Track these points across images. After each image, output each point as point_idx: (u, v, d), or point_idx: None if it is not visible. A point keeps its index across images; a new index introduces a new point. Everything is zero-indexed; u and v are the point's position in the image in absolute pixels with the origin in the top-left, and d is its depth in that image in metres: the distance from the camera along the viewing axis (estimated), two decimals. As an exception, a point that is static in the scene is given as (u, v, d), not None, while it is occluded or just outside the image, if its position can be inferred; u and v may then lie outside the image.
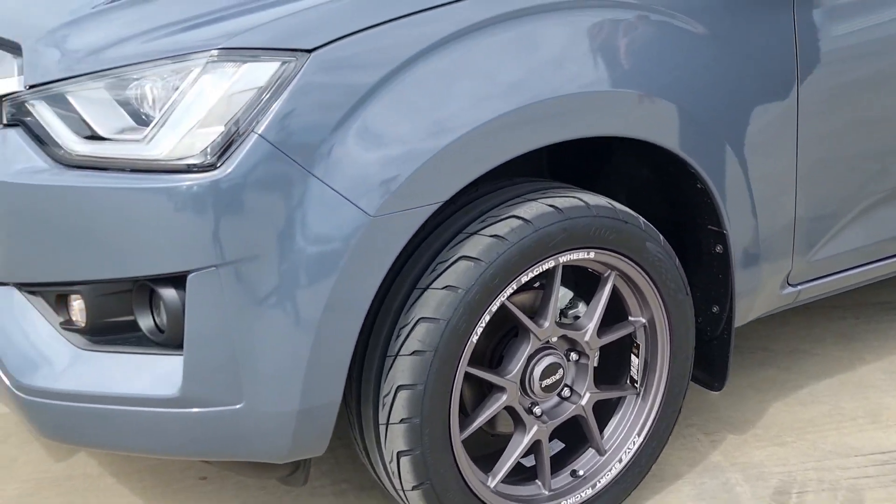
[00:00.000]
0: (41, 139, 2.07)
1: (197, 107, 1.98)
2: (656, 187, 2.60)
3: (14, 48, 2.12)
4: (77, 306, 2.13)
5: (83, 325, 2.12)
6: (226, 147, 1.97)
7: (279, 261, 2.00)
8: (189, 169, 1.98)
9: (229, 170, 1.96)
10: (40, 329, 2.16)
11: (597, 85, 2.22)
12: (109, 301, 2.11)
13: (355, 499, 2.62)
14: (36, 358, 2.15)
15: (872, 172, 2.74)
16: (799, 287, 2.74)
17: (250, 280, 2.01)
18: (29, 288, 2.16)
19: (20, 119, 2.09)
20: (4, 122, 2.11)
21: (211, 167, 1.97)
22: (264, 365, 2.05)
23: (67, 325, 2.14)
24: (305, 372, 2.06)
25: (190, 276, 1.99)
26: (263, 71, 1.98)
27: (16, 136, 2.09)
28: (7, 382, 2.15)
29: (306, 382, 2.07)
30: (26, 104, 2.08)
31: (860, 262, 2.83)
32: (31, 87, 2.08)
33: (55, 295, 2.14)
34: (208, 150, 1.97)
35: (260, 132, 1.96)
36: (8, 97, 2.10)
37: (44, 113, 2.07)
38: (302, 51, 1.99)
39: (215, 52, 1.98)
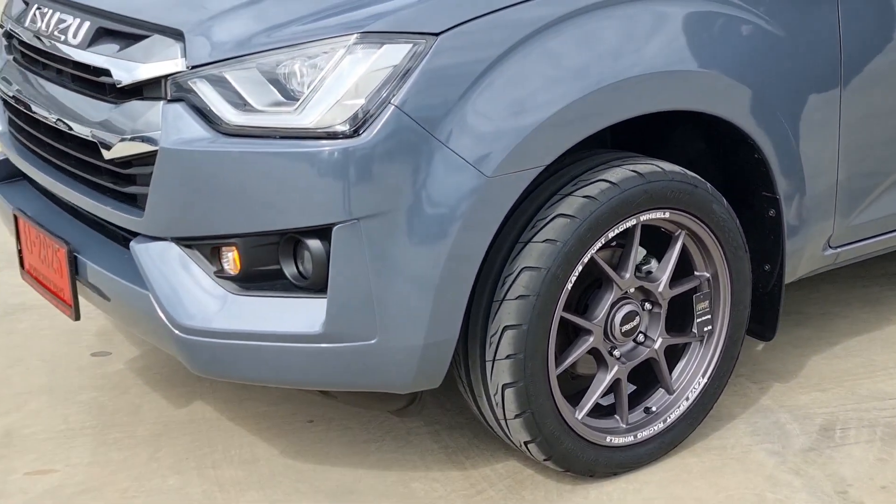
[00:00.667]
0: (202, 112, 2.41)
1: (342, 82, 2.32)
2: (711, 158, 2.94)
3: (176, 34, 2.46)
4: (231, 257, 2.47)
5: (235, 273, 2.46)
6: (367, 117, 2.31)
7: (410, 215, 2.35)
8: (335, 136, 2.32)
9: (370, 136, 2.30)
10: (197, 277, 2.49)
11: (690, 64, 2.58)
12: (259, 252, 2.44)
13: (448, 437, 2.96)
14: (193, 302, 2.48)
15: (904, 148, 3.10)
16: (839, 249, 3.09)
17: (385, 232, 2.35)
18: (186, 242, 2.50)
19: (182, 95, 2.43)
20: (169, 97, 2.44)
21: (355, 134, 2.31)
22: (395, 305, 2.39)
23: (220, 273, 2.48)
24: (430, 311, 2.40)
25: (335, 228, 2.33)
26: (398, 52, 2.32)
27: (179, 109, 2.42)
28: (167, 324, 2.48)
29: (430, 320, 2.41)
30: (189, 82, 2.42)
31: (893, 228, 3.18)
32: (193, 67, 2.42)
33: (210, 248, 2.48)
34: (352, 119, 2.31)
35: (396, 104, 2.30)
36: (171, 76, 2.44)
37: (204, 90, 2.41)
38: (431, 34, 2.34)
39: (358, 35, 2.32)
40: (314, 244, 2.38)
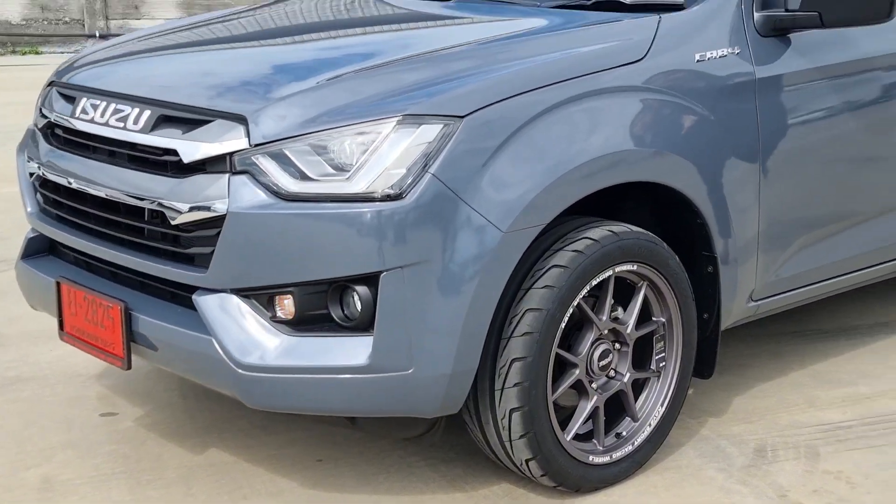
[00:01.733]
0: (264, 182, 2.89)
1: (387, 155, 2.84)
2: (656, 222, 3.52)
3: (239, 119, 2.94)
4: (286, 303, 2.92)
5: (290, 317, 2.91)
6: (409, 183, 2.83)
7: (444, 263, 2.86)
8: (383, 199, 2.82)
9: (412, 199, 2.82)
10: (255, 322, 2.94)
11: (653, 144, 3.18)
12: (311, 298, 2.91)
13: (445, 468, 3.41)
14: (252, 344, 2.92)
15: (811, 217, 3.75)
16: (759, 302, 3.71)
17: (423, 278, 2.85)
18: (245, 292, 2.94)
19: (246, 168, 2.90)
20: (235, 170, 2.91)
21: (399, 197, 2.82)
22: (429, 340, 2.88)
23: (275, 318, 2.93)
24: (457, 345, 2.90)
25: (383, 275, 2.82)
26: (432, 130, 2.86)
27: (244, 179, 2.89)
28: (229, 363, 2.91)
29: (457, 353, 2.91)
30: (252, 157, 2.90)
31: (805, 284, 3.83)
32: (257, 145, 2.90)
33: (267, 297, 2.93)
34: (397, 185, 2.83)
35: (432, 172, 2.83)
36: (236, 153, 2.91)
37: (266, 164, 2.89)
38: (458, 116, 2.88)
39: (400, 117, 2.85)
40: (362, 290, 2.86)
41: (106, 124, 3.20)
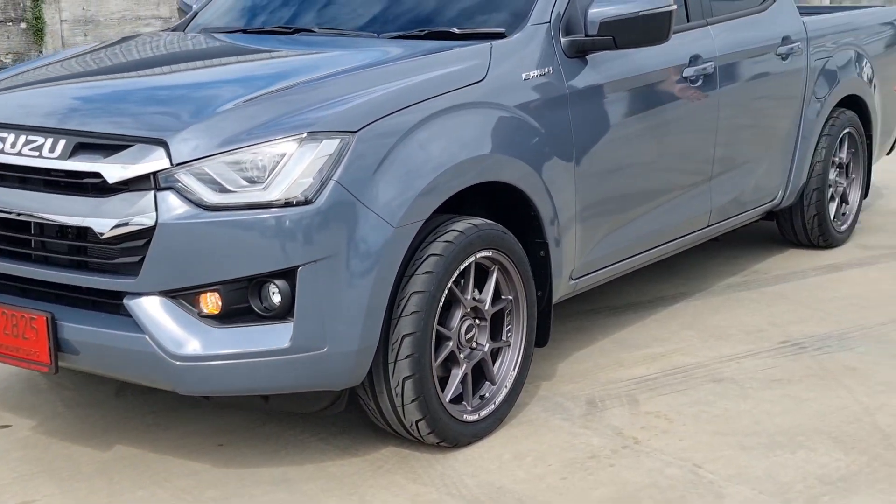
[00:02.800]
0: (186, 196, 3.32)
1: (297, 167, 3.34)
2: (496, 214, 4.13)
3: (159, 142, 3.35)
4: (212, 300, 3.36)
5: (217, 312, 3.36)
6: (316, 190, 3.34)
7: (348, 257, 3.38)
8: (295, 204, 3.32)
9: (320, 203, 3.33)
10: (184, 318, 3.36)
11: (500, 150, 3.82)
12: (235, 294, 3.37)
13: (335, 441, 3.91)
14: (183, 338, 3.34)
15: (614, 205, 4.49)
16: (578, 280, 4.42)
17: (332, 270, 3.37)
18: (173, 293, 3.36)
19: (170, 184, 3.32)
20: (159, 187, 3.32)
21: (308, 202, 3.33)
22: (339, 322, 3.39)
23: (201, 314, 3.36)
24: (362, 325, 3.43)
25: (300, 269, 3.32)
26: (332, 144, 3.38)
27: (170, 194, 3.32)
28: (164, 356, 3.32)
29: (362, 332, 3.44)
30: (175, 175, 3.32)
31: (612, 262, 4.57)
32: (178, 164, 3.33)
33: (194, 295, 3.36)
34: (305, 192, 3.33)
35: (335, 179, 3.35)
36: (159, 172, 3.33)
37: (187, 180, 3.32)
38: (351, 132, 3.42)
39: (305, 134, 3.36)
40: (282, 283, 3.35)
41: (19, 154, 3.53)
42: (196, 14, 5.09)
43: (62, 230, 3.47)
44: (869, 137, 6.54)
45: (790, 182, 5.83)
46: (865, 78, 6.38)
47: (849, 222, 6.45)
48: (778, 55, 5.56)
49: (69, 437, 3.99)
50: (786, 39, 5.62)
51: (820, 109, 5.94)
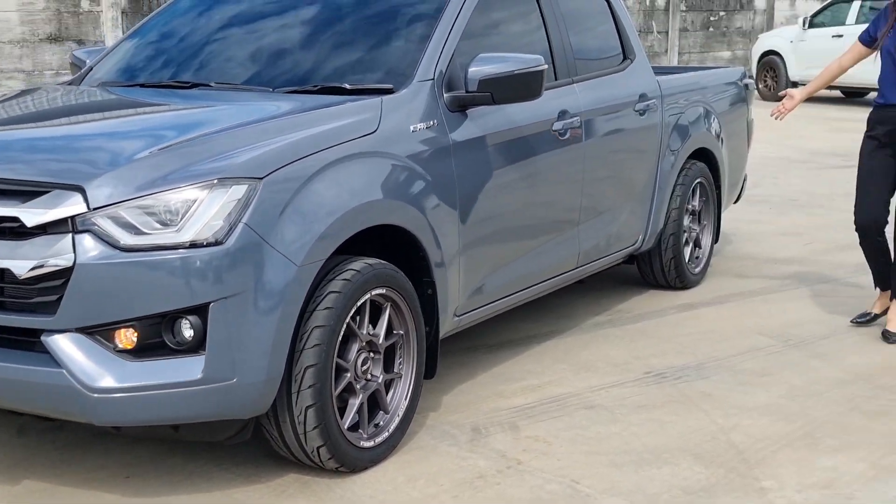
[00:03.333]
0: (103, 238, 3.55)
1: (208, 210, 3.61)
2: (390, 255, 4.45)
3: (76, 188, 3.58)
4: (125, 336, 3.58)
5: (132, 346, 3.58)
6: (226, 232, 3.61)
7: (256, 293, 3.66)
8: (207, 245, 3.58)
9: (230, 243, 3.60)
10: (100, 353, 3.58)
11: (391, 195, 4.15)
12: (149, 329, 3.60)
13: (237, 470, 4.14)
14: (98, 372, 3.56)
15: (494, 248, 4.86)
16: (461, 317, 4.76)
17: (242, 306, 3.64)
18: (89, 330, 3.58)
19: (88, 227, 3.55)
20: (77, 230, 3.55)
21: (219, 243, 3.60)
22: (248, 354, 3.66)
23: (116, 348, 3.59)
24: (269, 357, 3.70)
25: (212, 305, 3.58)
26: (241, 189, 3.67)
27: (87, 237, 3.55)
28: (80, 388, 3.53)
29: (269, 363, 3.71)
30: (92, 219, 3.56)
31: (492, 300, 4.93)
32: (95, 209, 3.56)
33: (110, 331, 3.58)
34: (216, 234, 3.60)
35: (244, 222, 3.63)
36: (77, 216, 3.56)
37: (104, 223, 3.56)
38: (258, 178, 3.71)
39: (216, 180, 3.63)
40: (194, 318, 3.60)
41: (-63, 201, 3.72)
42: (91, 69, 5.31)
43: (-21, 273, 3.66)
44: (718, 187, 7.09)
45: (649, 228, 6.31)
46: (714, 133, 6.94)
47: (702, 265, 6.97)
48: (636, 111, 6.06)
49: (-23, 474, 4.14)
50: (643, 97, 6.13)
51: (674, 161, 6.46)
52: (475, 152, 4.72)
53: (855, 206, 5.85)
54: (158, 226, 3.61)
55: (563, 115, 5.32)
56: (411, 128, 4.41)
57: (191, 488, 4.01)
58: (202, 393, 3.63)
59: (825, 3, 20.54)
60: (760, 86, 19.19)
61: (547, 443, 4.43)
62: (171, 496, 3.95)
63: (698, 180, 6.78)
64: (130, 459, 4.24)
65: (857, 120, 11.82)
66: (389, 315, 4.25)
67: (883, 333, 5.79)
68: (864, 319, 6.02)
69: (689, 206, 6.75)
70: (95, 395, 3.55)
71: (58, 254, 3.56)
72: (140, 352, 3.62)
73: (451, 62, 4.71)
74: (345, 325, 3.97)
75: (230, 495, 3.96)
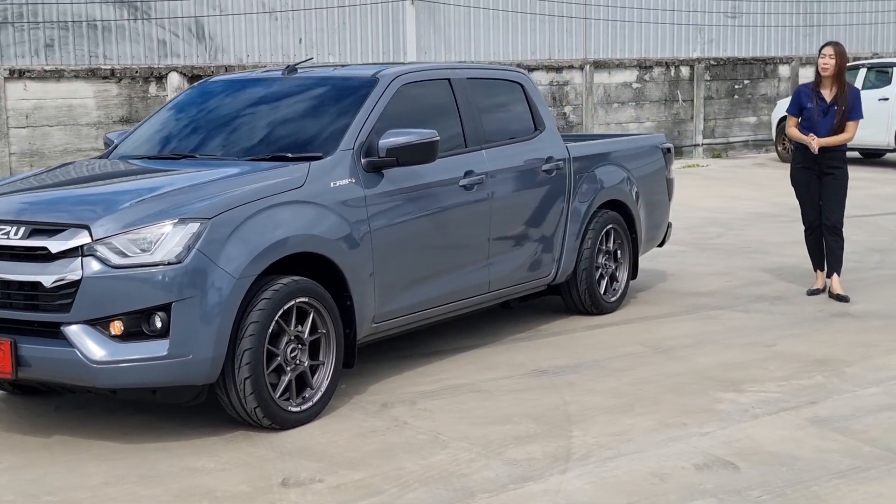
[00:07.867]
0: (101, 260, 5.30)
1: (171, 240, 5.35)
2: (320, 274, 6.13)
3: (84, 227, 5.35)
4: (116, 326, 5.31)
5: (120, 333, 5.31)
6: (184, 255, 5.34)
7: (207, 296, 5.38)
8: (171, 263, 5.32)
9: (187, 262, 5.34)
10: (98, 338, 5.31)
11: (313, 230, 5.86)
12: (132, 321, 5.33)
13: (191, 431, 5.82)
14: (99, 350, 5.29)
15: (402, 275, 6.52)
16: (379, 324, 6.42)
17: (195, 305, 5.36)
18: (91, 322, 5.31)
19: (91, 252, 5.31)
20: (84, 254, 5.31)
21: (179, 262, 5.33)
22: (199, 338, 5.37)
23: (110, 335, 5.32)
24: (215, 340, 5.40)
25: (174, 304, 5.31)
26: (195, 226, 5.41)
27: (91, 258, 5.30)
28: (87, 362, 5.26)
29: (214, 344, 5.41)
30: (94, 246, 5.31)
31: (405, 314, 6.58)
32: (96, 240, 5.32)
33: (106, 322, 5.32)
34: (178, 255, 5.33)
35: (197, 248, 5.36)
36: (85, 245, 5.32)
37: (102, 249, 5.32)
38: (208, 218, 5.44)
39: (178, 219, 5.38)
40: (161, 314, 5.32)
41: (-8, 237, 5.52)
42: (116, 146, 7.17)
43: (20, 284, 5.42)
44: (634, 233, 8.64)
45: (560, 265, 7.90)
46: (626, 187, 8.51)
47: (618, 295, 8.51)
48: (543, 170, 7.69)
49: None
50: (549, 159, 7.77)
51: (585, 210, 8.05)
52: (386, 201, 6.41)
53: (801, 214, 8.97)
54: (138, 251, 5.35)
55: (469, 173, 6.99)
56: (331, 184, 6.12)
57: (162, 437, 5.70)
58: (168, 365, 5.34)
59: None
60: (779, 148, 20.47)
61: (431, 412, 6.05)
62: (149, 443, 5.64)
63: (610, 226, 8.35)
64: (128, 424, 5.93)
65: (860, 178, 13.52)
66: (314, 318, 5.93)
67: (836, 298, 8.64)
68: (815, 293, 8.90)
69: (603, 248, 8.32)
70: (96, 366, 5.28)
71: (71, 271, 5.31)
72: (126, 336, 5.34)
73: (369, 136, 6.42)
74: (274, 323, 5.65)
75: (192, 443, 5.64)
